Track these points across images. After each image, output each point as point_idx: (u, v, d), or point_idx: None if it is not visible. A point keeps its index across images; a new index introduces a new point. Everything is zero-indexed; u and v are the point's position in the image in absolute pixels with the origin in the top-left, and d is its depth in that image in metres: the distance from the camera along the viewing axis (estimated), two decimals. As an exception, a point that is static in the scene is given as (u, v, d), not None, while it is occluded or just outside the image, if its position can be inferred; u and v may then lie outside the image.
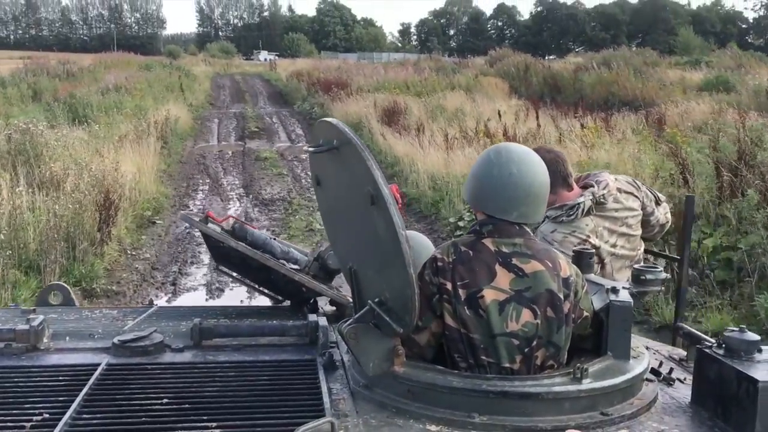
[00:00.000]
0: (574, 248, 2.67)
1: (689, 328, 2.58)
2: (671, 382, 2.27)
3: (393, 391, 1.99)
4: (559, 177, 3.24)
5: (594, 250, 2.94)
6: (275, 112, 28.14)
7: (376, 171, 1.82)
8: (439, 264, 2.13)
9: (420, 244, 2.75)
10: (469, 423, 1.87)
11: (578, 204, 3.27)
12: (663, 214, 3.59)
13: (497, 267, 2.09)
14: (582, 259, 2.46)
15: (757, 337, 2.00)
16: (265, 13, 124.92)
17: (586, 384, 1.95)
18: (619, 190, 3.43)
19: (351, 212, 2.08)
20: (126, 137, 14.41)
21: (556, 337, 2.10)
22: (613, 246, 3.37)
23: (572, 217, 3.26)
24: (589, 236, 3.29)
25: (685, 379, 2.30)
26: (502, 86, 28.93)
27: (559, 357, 2.13)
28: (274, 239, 3.26)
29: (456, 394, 1.92)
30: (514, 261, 2.10)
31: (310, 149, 2.06)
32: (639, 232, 3.50)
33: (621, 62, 29.06)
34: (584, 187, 3.40)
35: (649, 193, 3.55)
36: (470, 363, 2.07)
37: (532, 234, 2.22)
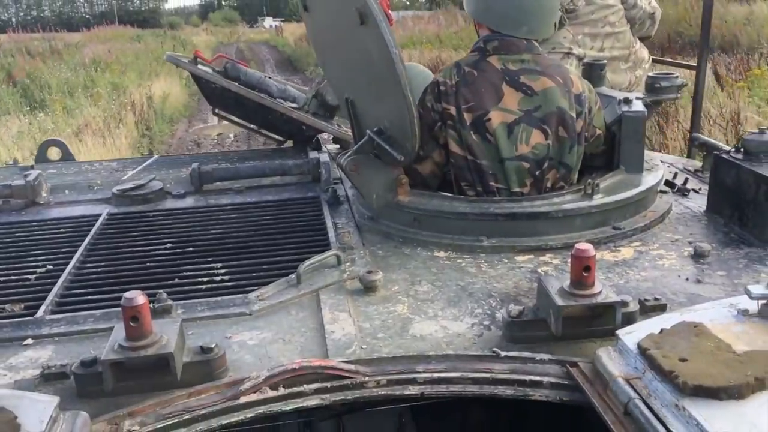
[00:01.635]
0: (585, 61, 2.51)
1: (705, 137, 2.48)
2: (686, 193, 2.21)
3: (398, 221, 1.94)
4: None
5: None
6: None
7: None
8: (442, 88, 1.98)
9: (420, 74, 2.60)
10: (477, 247, 1.83)
11: None
12: (647, 3, 3.39)
13: (504, 86, 1.95)
14: (592, 72, 2.32)
15: None
16: None
17: (597, 199, 1.88)
18: None
19: (342, 37, 1.93)
20: (88, 127, 11.30)
21: (567, 157, 2.00)
22: (601, 50, 3.22)
23: None
24: (570, 48, 3.15)
25: (700, 189, 2.24)
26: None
27: (570, 177, 2.05)
28: (270, 78, 3.11)
29: (463, 219, 1.87)
30: (523, 78, 1.96)
31: None
32: (626, 27, 3.32)
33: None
34: None
35: None
36: (478, 190, 2.00)
37: (540, 49, 2.05)
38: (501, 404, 1.32)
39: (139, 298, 1.22)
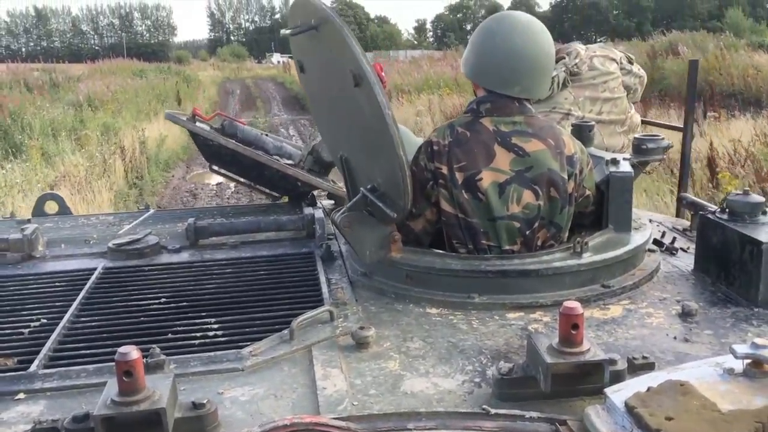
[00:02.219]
0: (574, 122, 2.58)
1: (692, 197, 2.53)
2: (674, 252, 2.25)
3: (391, 277, 1.97)
4: None
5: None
6: (291, 121, 21.99)
7: (356, 48, 1.71)
8: (435, 148, 2.03)
9: (412, 136, 2.67)
10: (469, 303, 1.85)
11: (551, 78, 3.20)
12: (637, 69, 3.56)
13: (496, 147, 2.00)
14: (581, 132, 2.38)
15: (762, 199, 1.94)
16: (277, 15, 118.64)
17: (587, 258, 1.91)
18: (591, 58, 3.36)
19: (337, 96, 1.99)
20: (65, 179, 9.79)
21: (558, 217, 2.04)
22: (599, 113, 3.33)
23: (549, 93, 3.20)
24: (570, 109, 3.25)
25: (688, 248, 2.27)
26: (571, 78, 23.81)
27: (560, 236, 2.08)
28: (267, 135, 3.18)
29: (455, 276, 1.89)
30: (514, 140, 2.01)
31: (287, 32, 1.94)
32: (623, 94, 3.45)
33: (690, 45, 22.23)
34: (555, 62, 3.33)
35: (623, 54, 3.51)
36: (470, 248, 2.03)
37: (533, 111, 2.10)
38: None
39: (132, 353, 1.23)
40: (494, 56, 2.04)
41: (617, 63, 3.41)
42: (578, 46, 3.39)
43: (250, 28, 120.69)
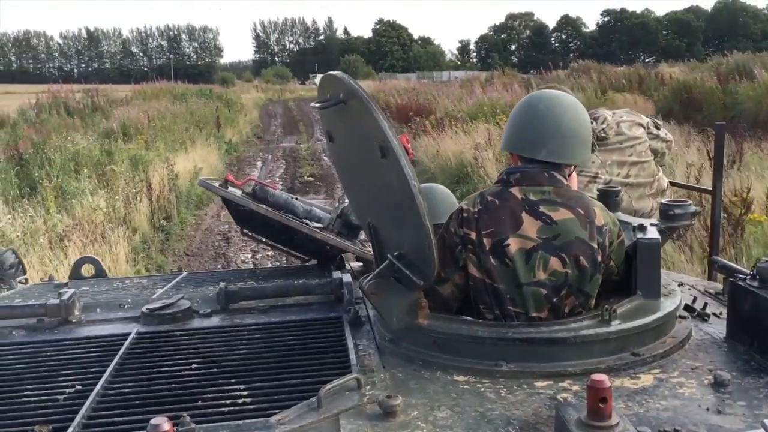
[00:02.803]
0: (599, 188, 2.60)
1: (724, 261, 2.51)
2: (706, 318, 2.22)
3: (419, 344, 1.98)
4: None
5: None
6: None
7: (384, 122, 1.77)
8: (465, 215, 2.09)
9: (441, 195, 2.71)
10: (496, 371, 1.84)
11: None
12: (664, 133, 3.59)
13: (524, 215, 2.03)
14: (608, 198, 2.39)
15: None
16: (321, 37, 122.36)
17: (615, 325, 1.90)
18: (618, 123, 3.41)
19: (364, 166, 2.04)
20: (77, 228, 8.40)
21: (588, 286, 2.05)
22: (627, 176, 3.36)
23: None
24: (597, 173, 3.29)
25: (720, 313, 2.24)
26: (644, 104, 20.81)
27: (588, 304, 2.08)
28: (296, 199, 3.25)
29: (482, 344, 1.89)
30: (542, 208, 2.04)
31: (317, 105, 2.01)
32: (650, 158, 3.47)
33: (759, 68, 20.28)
34: None
35: (650, 119, 3.56)
36: (496, 314, 2.04)
37: (564, 182, 2.12)
38: None
39: (164, 424, 1.26)
40: (520, 123, 2.14)
41: (644, 128, 3.45)
42: (605, 112, 3.46)
43: (294, 49, 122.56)
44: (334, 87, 1.94)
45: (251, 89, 50.32)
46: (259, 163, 18.87)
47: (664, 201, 2.38)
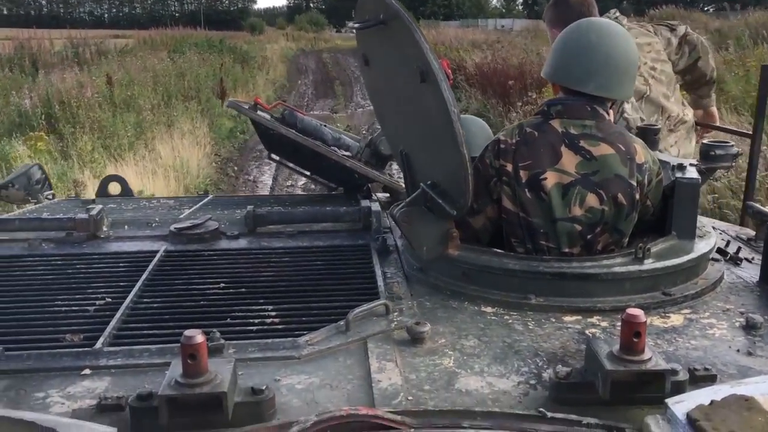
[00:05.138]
0: (639, 125, 2.53)
1: (759, 206, 2.45)
2: (738, 262, 2.18)
3: (447, 274, 1.97)
4: (581, 16, 3.08)
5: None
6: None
7: (425, 45, 1.71)
8: (502, 146, 2.04)
9: (477, 127, 2.66)
10: (525, 304, 1.83)
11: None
12: (680, 31, 3.49)
13: (563, 149, 1.98)
14: (647, 136, 2.32)
15: None
16: None
17: (648, 264, 1.88)
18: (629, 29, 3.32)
19: (401, 92, 1.99)
20: None
21: (623, 224, 2.01)
22: (652, 68, 3.30)
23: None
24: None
25: (753, 258, 2.21)
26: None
27: (622, 242, 2.05)
28: (325, 125, 3.21)
29: (512, 276, 1.88)
30: (582, 143, 1.99)
31: (356, 25, 1.95)
32: (669, 60, 3.40)
33: None
34: None
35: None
36: (528, 248, 2.01)
37: (607, 116, 2.06)
38: None
39: (198, 336, 1.26)
40: (568, 53, 2.04)
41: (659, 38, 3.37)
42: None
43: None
44: (375, 7, 1.88)
45: (280, 38, 42.56)
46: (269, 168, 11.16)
47: (705, 141, 2.32)
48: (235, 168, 11.44)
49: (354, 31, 2.03)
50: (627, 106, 3.11)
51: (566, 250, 1.99)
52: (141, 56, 19.17)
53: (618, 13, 3.35)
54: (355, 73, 25.32)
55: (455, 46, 23.26)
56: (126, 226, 2.57)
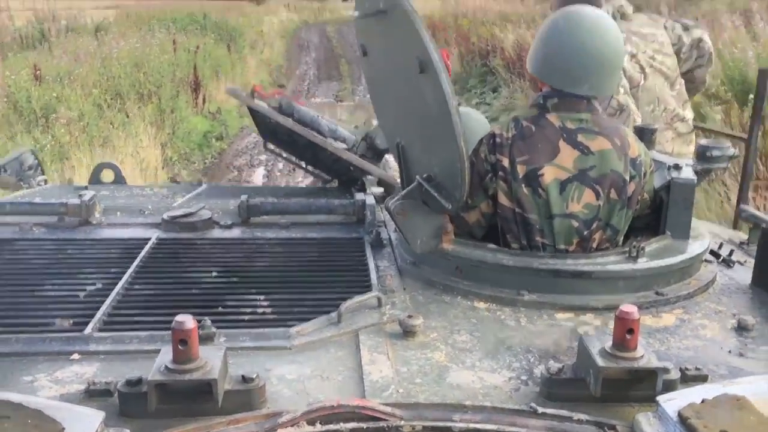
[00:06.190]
0: (636, 124, 2.53)
1: (752, 210, 2.46)
2: (731, 264, 2.19)
3: (441, 269, 1.96)
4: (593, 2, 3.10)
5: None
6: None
7: (425, 35, 1.70)
8: (497, 140, 2.01)
9: (475, 121, 2.64)
10: (518, 300, 1.83)
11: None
12: (696, 35, 3.48)
13: (561, 143, 1.97)
14: (644, 135, 2.32)
15: None
16: None
17: (642, 263, 1.88)
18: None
19: (399, 82, 1.98)
20: None
21: (616, 219, 2.01)
22: (652, 58, 3.28)
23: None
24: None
25: (745, 261, 2.21)
26: None
27: (617, 239, 2.05)
28: (322, 117, 3.19)
29: (505, 272, 1.88)
30: (580, 138, 1.98)
31: (356, 14, 1.94)
32: (674, 55, 3.39)
33: None
34: None
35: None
36: (523, 244, 2.01)
37: (600, 109, 2.06)
38: None
39: (189, 322, 1.26)
40: (562, 54, 2.00)
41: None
42: None
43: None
44: None
45: (280, 8, 36.74)
46: (260, 161, 9.81)
47: (701, 142, 2.32)
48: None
49: (354, 17, 2.01)
50: (620, 89, 3.10)
51: (562, 246, 1.98)
52: (105, 37, 14.78)
53: (623, 0, 3.33)
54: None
55: (482, 19, 18.78)
56: (118, 213, 2.55)
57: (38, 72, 10.01)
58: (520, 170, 1.97)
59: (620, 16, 3.26)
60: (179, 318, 1.26)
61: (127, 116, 9.65)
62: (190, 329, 1.25)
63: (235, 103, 13.48)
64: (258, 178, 9.18)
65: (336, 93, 15.27)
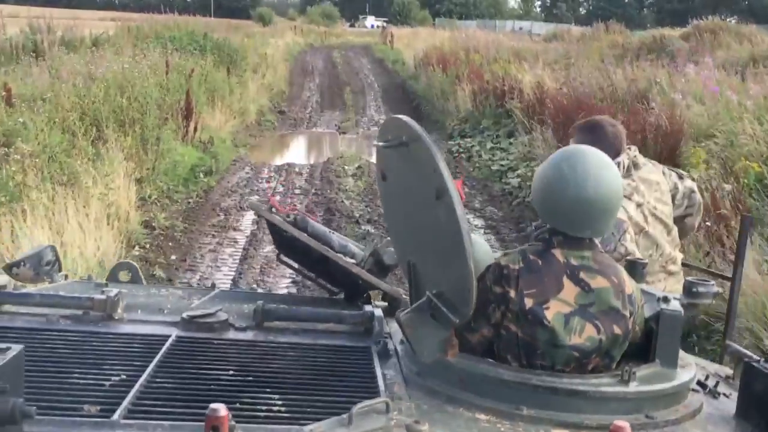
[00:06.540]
0: (628, 258, 2.72)
1: (737, 346, 2.60)
2: (716, 395, 2.31)
3: (444, 380, 2.08)
4: (613, 151, 3.20)
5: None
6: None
7: (442, 164, 1.92)
8: (504, 272, 2.14)
9: (483, 253, 2.82)
10: (517, 415, 1.95)
11: (618, 163, 3.25)
12: (689, 185, 3.66)
13: (565, 279, 2.12)
14: (635, 269, 2.51)
15: None
16: None
17: (633, 386, 2.01)
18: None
19: (414, 206, 2.18)
20: None
21: (616, 351, 2.16)
22: (654, 208, 3.42)
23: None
24: (632, 193, 3.32)
25: (730, 394, 2.33)
26: None
27: (611, 366, 2.19)
28: (333, 233, 3.39)
29: (505, 387, 2.00)
30: (582, 275, 2.13)
31: (380, 143, 2.17)
32: (671, 203, 3.55)
33: None
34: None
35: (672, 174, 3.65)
36: (523, 363, 2.13)
37: (599, 246, 2.24)
38: None
39: (222, 410, 1.38)
40: (565, 203, 2.12)
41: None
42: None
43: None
44: (398, 129, 2.11)
45: (287, 32, 36.14)
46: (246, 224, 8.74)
47: (688, 278, 2.50)
48: (172, 256, 7.28)
49: (378, 146, 2.23)
50: (627, 237, 3.27)
51: (558, 368, 2.11)
52: (99, 53, 14.01)
53: (636, 151, 3.51)
54: (368, 78, 21.77)
55: (495, 56, 18.00)
56: (139, 311, 2.68)
57: (6, 93, 8.68)
58: (528, 302, 2.10)
59: (633, 166, 3.45)
60: (214, 406, 1.38)
61: (103, 145, 8.58)
62: (222, 416, 1.37)
63: (230, 132, 13.46)
64: (247, 223, 8.54)
65: (339, 123, 15.20)
